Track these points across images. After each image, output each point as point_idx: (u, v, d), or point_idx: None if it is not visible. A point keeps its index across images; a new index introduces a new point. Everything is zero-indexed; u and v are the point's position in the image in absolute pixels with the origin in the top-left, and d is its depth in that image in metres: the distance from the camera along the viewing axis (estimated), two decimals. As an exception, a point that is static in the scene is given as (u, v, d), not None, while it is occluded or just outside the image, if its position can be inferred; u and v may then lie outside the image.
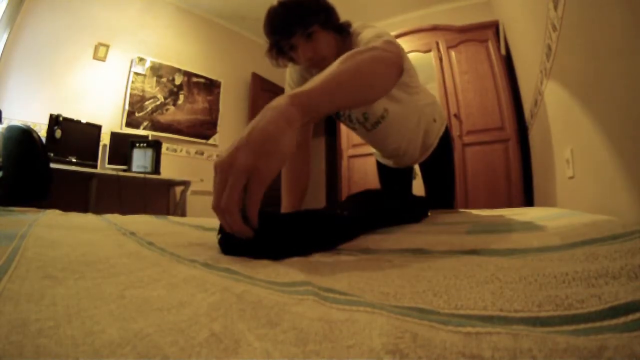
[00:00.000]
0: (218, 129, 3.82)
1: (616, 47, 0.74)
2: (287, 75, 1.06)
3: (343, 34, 0.90)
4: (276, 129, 0.41)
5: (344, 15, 0.96)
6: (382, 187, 1.52)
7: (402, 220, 0.81)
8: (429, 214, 1.07)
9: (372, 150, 1.44)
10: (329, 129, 5.32)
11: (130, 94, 3.16)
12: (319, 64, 0.87)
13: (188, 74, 3.61)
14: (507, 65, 2.64)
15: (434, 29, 2.90)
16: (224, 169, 0.40)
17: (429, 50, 2.90)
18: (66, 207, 1.34)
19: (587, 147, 1.02)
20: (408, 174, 1.44)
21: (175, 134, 3.45)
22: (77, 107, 2.77)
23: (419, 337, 0.16)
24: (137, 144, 2.86)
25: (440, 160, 1.29)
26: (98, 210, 1.67)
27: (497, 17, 2.80)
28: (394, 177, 1.44)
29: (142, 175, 2.75)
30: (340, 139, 3.44)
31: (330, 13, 0.89)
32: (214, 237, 0.66)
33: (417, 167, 1.38)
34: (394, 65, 0.68)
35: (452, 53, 2.83)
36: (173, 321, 0.21)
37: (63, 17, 2.81)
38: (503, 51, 2.73)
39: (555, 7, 1.12)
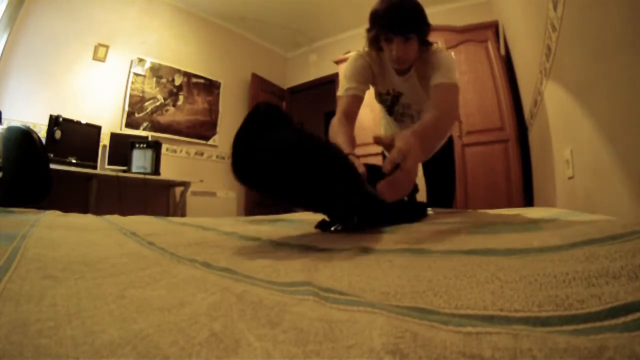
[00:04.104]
0: (218, 129, 3.82)
1: (615, 47, 0.74)
2: (351, 63, 1.13)
3: (422, 48, 1.05)
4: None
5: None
6: None
7: (407, 216, 0.84)
8: (431, 212, 1.08)
9: (374, 150, 1.55)
10: (328, 129, 5.33)
11: (130, 95, 3.16)
12: (400, 63, 1.04)
13: (188, 75, 3.62)
14: (507, 66, 2.64)
15: (434, 29, 2.88)
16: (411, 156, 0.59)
17: (428, 51, 2.91)
18: (66, 208, 1.34)
19: (587, 147, 1.02)
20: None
21: (175, 134, 3.45)
22: (77, 108, 2.77)
23: (419, 337, 0.16)
24: (137, 145, 2.86)
25: (444, 161, 1.40)
26: (98, 211, 1.67)
27: (497, 17, 2.81)
28: None
29: (142, 176, 2.75)
30: (340, 140, 3.44)
31: (428, 30, 1.05)
32: (214, 237, 0.66)
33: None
34: (457, 106, 1.00)
35: (452, 53, 2.83)
36: (173, 321, 0.21)
37: (63, 18, 2.82)
38: (503, 51, 2.73)
39: (555, 8, 1.12)
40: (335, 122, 1.03)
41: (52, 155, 2.23)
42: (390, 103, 1.23)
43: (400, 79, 1.13)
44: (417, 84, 1.12)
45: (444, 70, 0.99)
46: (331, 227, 0.71)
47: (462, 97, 3.13)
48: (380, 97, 1.25)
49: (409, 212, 0.91)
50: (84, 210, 2.41)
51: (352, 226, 0.69)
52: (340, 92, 1.11)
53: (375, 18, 1.00)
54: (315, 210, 0.68)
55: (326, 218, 0.72)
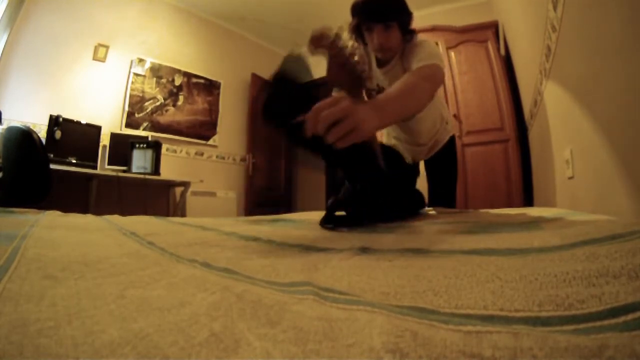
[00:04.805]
0: (218, 129, 3.82)
1: (615, 47, 0.74)
2: None
3: (407, 38, 1.06)
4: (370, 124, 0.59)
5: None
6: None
7: (401, 210, 0.87)
8: (432, 212, 1.08)
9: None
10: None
11: (130, 95, 3.16)
12: (383, 52, 1.05)
13: (188, 75, 3.61)
14: (507, 66, 2.64)
15: (434, 29, 2.90)
16: (347, 112, 0.54)
17: (428, 51, 2.90)
18: (66, 208, 1.34)
19: (586, 148, 1.02)
20: (414, 170, 1.52)
21: (175, 134, 3.45)
22: (77, 108, 2.76)
23: (419, 336, 0.16)
24: (137, 145, 2.86)
25: (446, 160, 1.39)
26: (98, 211, 1.67)
27: (497, 17, 2.80)
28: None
29: (142, 176, 2.75)
30: (340, 140, 3.44)
31: (410, 19, 1.04)
32: (214, 237, 0.66)
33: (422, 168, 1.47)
34: (439, 83, 0.93)
35: (452, 54, 2.83)
36: (173, 321, 0.21)
37: (63, 18, 2.81)
38: (502, 52, 2.73)
39: (555, 8, 1.12)
40: None
41: (52, 155, 2.23)
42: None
43: (380, 71, 1.12)
44: (400, 76, 1.10)
45: (423, 55, 0.96)
46: (335, 220, 0.73)
47: (462, 97, 3.08)
48: (369, 94, 1.24)
49: (405, 205, 0.93)
50: (84, 210, 2.41)
51: (355, 195, 0.73)
52: (334, 91, 1.11)
53: (356, 8, 1.03)
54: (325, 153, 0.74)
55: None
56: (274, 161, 4.26)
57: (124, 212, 1.42)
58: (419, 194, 1.07)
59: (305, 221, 0.98)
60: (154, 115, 3.31)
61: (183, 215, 3.15)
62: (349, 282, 0.30)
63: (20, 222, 0.77)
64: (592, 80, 0.92)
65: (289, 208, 4.27)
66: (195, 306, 0.24)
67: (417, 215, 0.98)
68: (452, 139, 1.40)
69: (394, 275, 0.31)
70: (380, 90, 1.17)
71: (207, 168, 3.67)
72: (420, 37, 1.08)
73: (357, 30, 1.07)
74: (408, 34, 1.05)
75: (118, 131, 3.00)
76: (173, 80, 3.50)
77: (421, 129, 1.28)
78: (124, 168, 2.79)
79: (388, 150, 1.32)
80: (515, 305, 0.21)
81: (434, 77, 0.90)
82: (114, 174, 2.62)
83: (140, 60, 3.26)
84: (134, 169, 2.79)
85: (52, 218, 0.96)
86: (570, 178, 1.21)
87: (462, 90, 2.75)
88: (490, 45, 2.70)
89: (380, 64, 1.12)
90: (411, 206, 0.96)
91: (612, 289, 0.21)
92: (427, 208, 1.26)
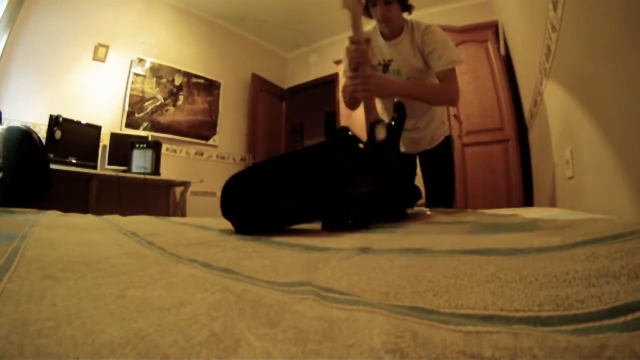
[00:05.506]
0: (217, 129, 3.82)
1: (615, 47, 0.74)
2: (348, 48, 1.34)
3: (404, 12, 1.26)
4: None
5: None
6: None
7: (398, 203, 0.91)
8: (429, 212, 1.09)
9: None
10: (329, 129, 5.33)
11: (130, 95, 3.16)
12: (386, 22, 1.23)
13: (188, 75, 3.62)
14: (507, 66, 2.64)
15: (434, 29, 2.90)
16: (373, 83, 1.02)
17: (428, 51, 2.90)
18: (66, 208, 1.34)
19: (587, 148, 1.02)
20: (412, 166, 1.53)
21: (175, 134, 3.45)
22: (77, 108, 2.77)
23: (419, 336, 0.16)
24: (137, 145, 2.86)
25: (442, 160, 1.42)
26: (98, 211, 1.67)
27: (497, 17, 2.81)
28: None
29: (142, 176, 2.75)
30: (340, 140, 3.43)
31: None
32: (214, 237, 0.66)
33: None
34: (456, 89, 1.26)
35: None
36: (173, 321, 0.21)
37: (63, 18, 2.82)
38: (502, 52, 2.73)
39: (555, 8, 1.12)
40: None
41: (52, 155, 2.23)
42: (382, 72, 1.31)
43: (388, 44, 1.25)
44: (409, 50, 1.24)
45: (443, 52, 1.19)
46: (335, 220, 0.73)
47: (462, 98, 3.11)
48: (373, 70, 1.30)
49: (404, 201, 0.95)
50: (84, 210, 2.41)
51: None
52: (344, 77, 1.25)
53: None
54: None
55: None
56: (274, 161, 4.25)
57: (124, 212, 1.41)
58: (416, 188, 1.09)
59: (305, 221, 0.98)
60: (154, 115, 3.32)
61: (183, 215, 3.15)
62: (349, 282, 0.30)
63: (20, 222, 0.77)
64: (592, 79, 0.92)
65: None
66: (195, 306, 0.24)
67: (416, 216, 0.98)
68: (447, 139, 1.43)
69: (394, 275, 0.31)
70: (386, 64, 1.30)
71: (207, 168, 3.67)
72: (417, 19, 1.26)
73: (365, 6, 1.19)
74: (407, 9, 1.24)
75: (118, 131, 3.00)
76: (173, 80, 3.51)
77: (412, 103, 1.31)
78: (124, 168, 2.79)
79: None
80: (515, 305, 0.21)
81: (453, 86, 1.24)
82: (114, 174, 2.63)
83: (140, 60, 3.26)
84: (134, 169, 2.79)
85: (52, 218, 0.97)
86: (570, 178, 1.21)
87: (462, 90, 2.74)
88: (490, 45, 2.70)
89: (387, 37, 1.26)
90: (409, 200, 1.00)
91: (612, 289, 0.21)
92: (425, 208, 1.27)
